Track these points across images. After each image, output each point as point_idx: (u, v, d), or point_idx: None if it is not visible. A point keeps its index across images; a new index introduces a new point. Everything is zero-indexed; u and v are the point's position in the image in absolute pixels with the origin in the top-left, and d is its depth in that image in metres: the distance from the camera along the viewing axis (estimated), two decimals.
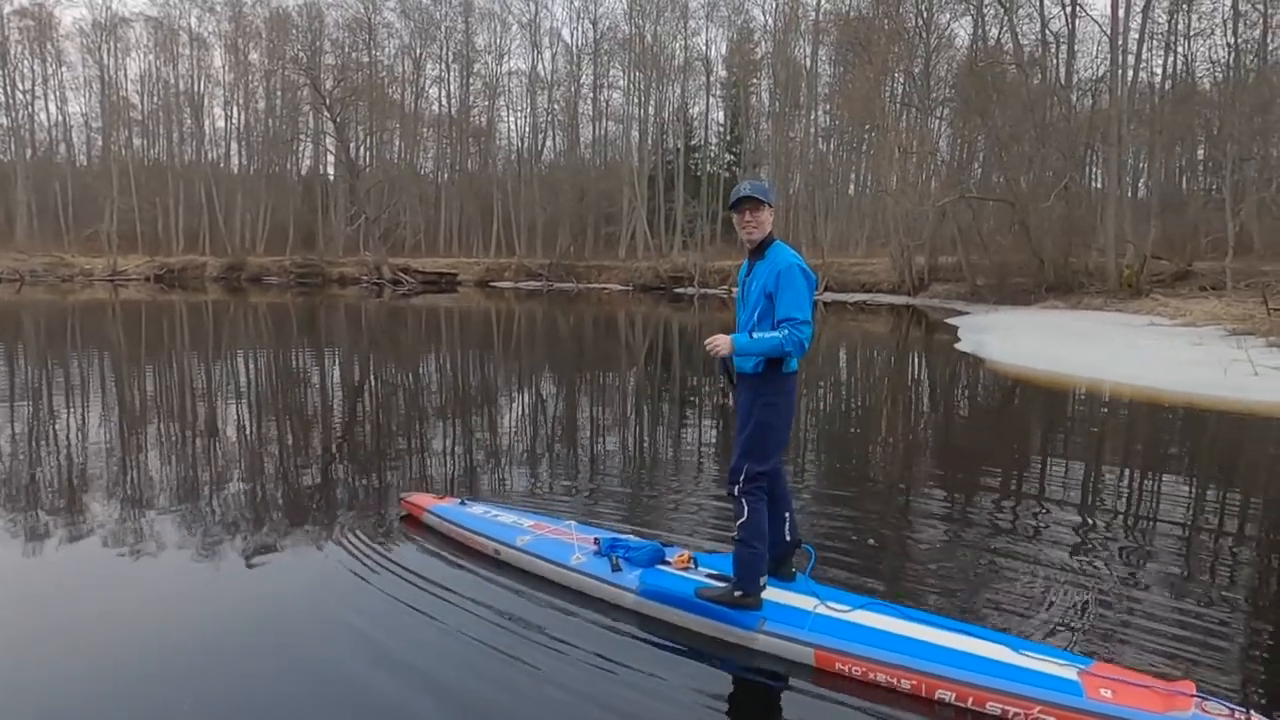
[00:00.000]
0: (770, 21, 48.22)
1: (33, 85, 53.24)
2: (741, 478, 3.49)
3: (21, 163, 52.14)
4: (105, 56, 53.12)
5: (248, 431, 7.99)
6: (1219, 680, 3.17)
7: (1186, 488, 6.29)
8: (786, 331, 3.31)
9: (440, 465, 6.65)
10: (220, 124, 55.67)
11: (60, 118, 54.96)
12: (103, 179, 50.81)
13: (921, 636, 3.27)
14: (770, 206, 3.50)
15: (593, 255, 47.21)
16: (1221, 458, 7.60)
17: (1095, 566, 4.37)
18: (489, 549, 4.36)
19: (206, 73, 54.62)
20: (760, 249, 3.51)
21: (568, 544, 4.17)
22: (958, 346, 15.48)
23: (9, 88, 52.56)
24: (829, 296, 30.75)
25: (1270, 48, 28.68)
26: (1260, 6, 28.85)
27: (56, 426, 7.96)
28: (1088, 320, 19.12)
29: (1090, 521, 5.20)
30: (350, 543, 4.62)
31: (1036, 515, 5.33)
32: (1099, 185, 31.30)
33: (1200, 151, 32.05)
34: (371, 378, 12.49)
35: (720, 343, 3.43)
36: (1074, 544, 4.74)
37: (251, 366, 13.40)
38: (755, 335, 3.40)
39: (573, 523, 4.47)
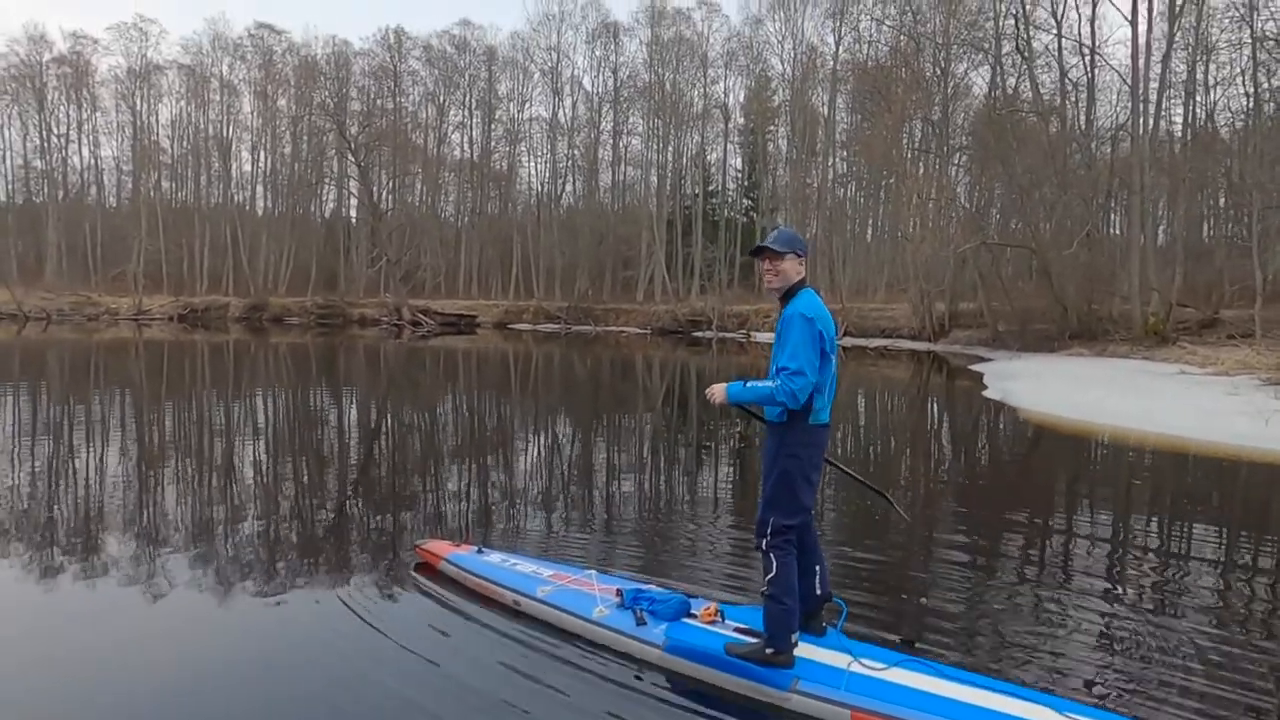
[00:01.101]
0: (788, 70, 48.98)
1: (67, 130, 54.78)
2: (769, 531, 3.38)
3: (53, 204, 53.43)
4: (138, 102, 54.71)
5: (264, 472, 7.92)
6: None
7: (1234, 543, 6.04)
8: (780, 381, 3.23)
9: (456, 510, 6.52)
10: (247, 168, 57.03)
11: (93, 161, 56.52)
12: (131, 220, 51.95)
13: (961, 697, 3.11)
14: (795, 256, 3.44)
15: (611, 298, 47.42)
16: (1274, 512, 7.30)
17: (1135, 623, 4.19)
18: (508, 599, 4.21)
19: (235, 118, 56.10)
20: (787, 297, 3.45)
21: (589, 595, 4.01)
22: (985, 394, 15.26)
23: (44, 132, 54.12)
24: (849, 341, 30.59)
25: None
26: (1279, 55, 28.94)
27: (75, 463, 7.93)
28: (1115, 368, 18.81)
29: (1131, 576, 5.01)
30: (365, 590, 4.50)
31: (1075, 569, 5.13)
32: (1119, 232, 31.22)
33: (1223, 199, 31.93)
34: (388, 419, 12.44)
35: (715, 391, 3.41)
36: (1114, 599, 4.55)
37: (270, 406, 13.40)
38: (749, 384, 3.34)
39: (594, 572, 4.32)
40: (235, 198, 56.43)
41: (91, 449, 8.83)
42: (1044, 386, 15.24)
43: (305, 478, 7.82)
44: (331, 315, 45.20)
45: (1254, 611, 4.46)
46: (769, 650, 3.34)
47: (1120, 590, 4.73)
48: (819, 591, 3.62)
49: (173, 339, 30.97)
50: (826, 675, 3.29)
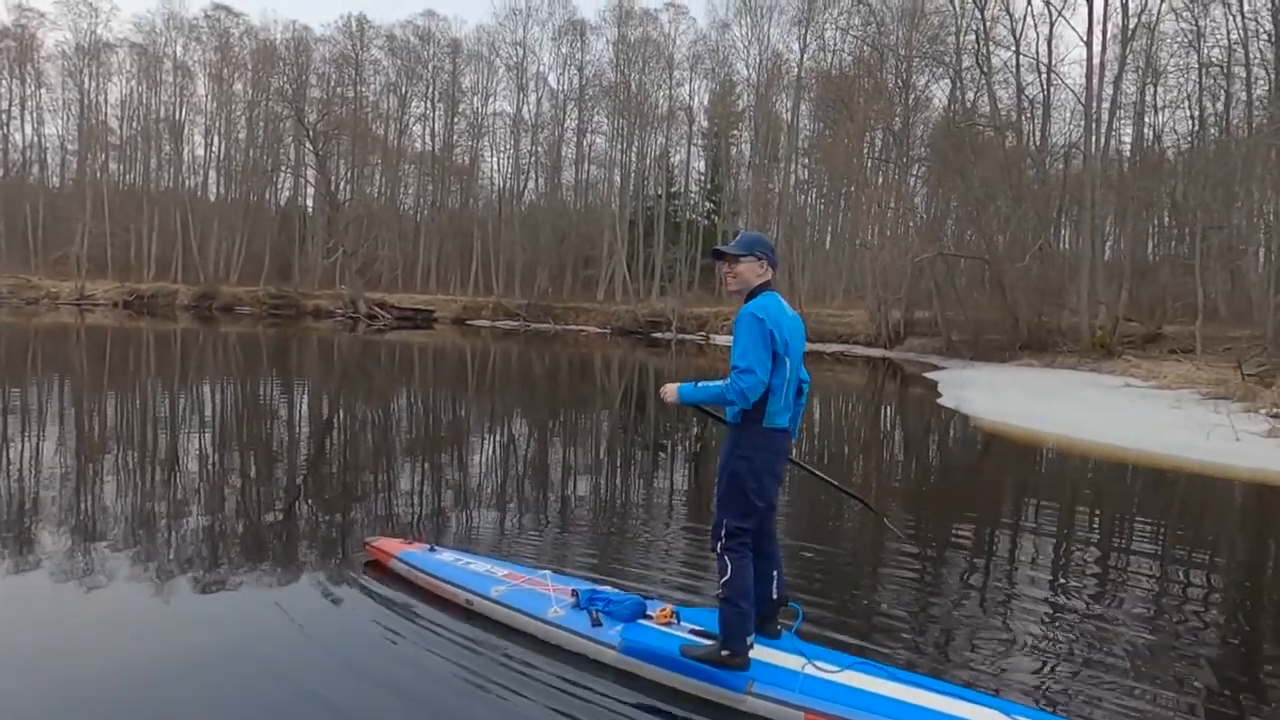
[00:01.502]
0: (753, 75, 49.32)
1: (9, 105, 52.76)
2: (723, 533, 3.37)
3: None
4: (86, 80, 52.87)
5: (208, 465, 7.68)
6: None
7: (1172, 550, 6.21)
8: (730, 380, 3.22)
9: (407, 507, 6.39)
10: (200, 152, 55.45)
11: (36, 139, 54.40)
12: (75, 202, 50.20)
13: (912, 700, 3.14)
14: (755, 258, 3.43)
15: (571, 297, 47.22)
16: (1211, 521, 7.55)
17: (1077, 626, 4.27)
18: (460, 599, 4.12)
19: (188, 100, 54.52)
20: (747, 300, 3.44)
21: (544, 595, 3.95)
22: (940, 401, 15.48)
23: None
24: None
25: (1233, 123, 29.81)
26: (1224, 82, 30.05)
27: (8, 453, 7.60)
28: (1064, 379, 19.30)
29: (1075, 581, 5.10)
30: (310, 587, 4.38)
31: (1022, 574, 5.21)
32: (1068, 247, 32.08)
33: (1167, 218, 33.00)
34: (340, 413, 12.18)
35: (668, 391, 3.40)
36: (1058, 603, 4.64)
37: (218, 398, 13.04)
38: (700, 384, 3.34)
39: (548, 572, 4.26)
40: (186, 182, 54.89)
41: (26, 438, 8.48)
42: (997, 396, 15.54)
43: (252, 472, 7.60)
44: (285, 306, 44.22)
45: (1188, 615, 4.58)
46: (724, 653, 3.33)
47: (1064, 595, 4.81)
48: (775, 595, 3.62)
49: (117, 325, 30.00)
50: (781, 677, 3.29)
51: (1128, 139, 34.31)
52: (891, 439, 12.55)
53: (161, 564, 4.68)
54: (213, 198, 55.22)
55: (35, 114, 53.67)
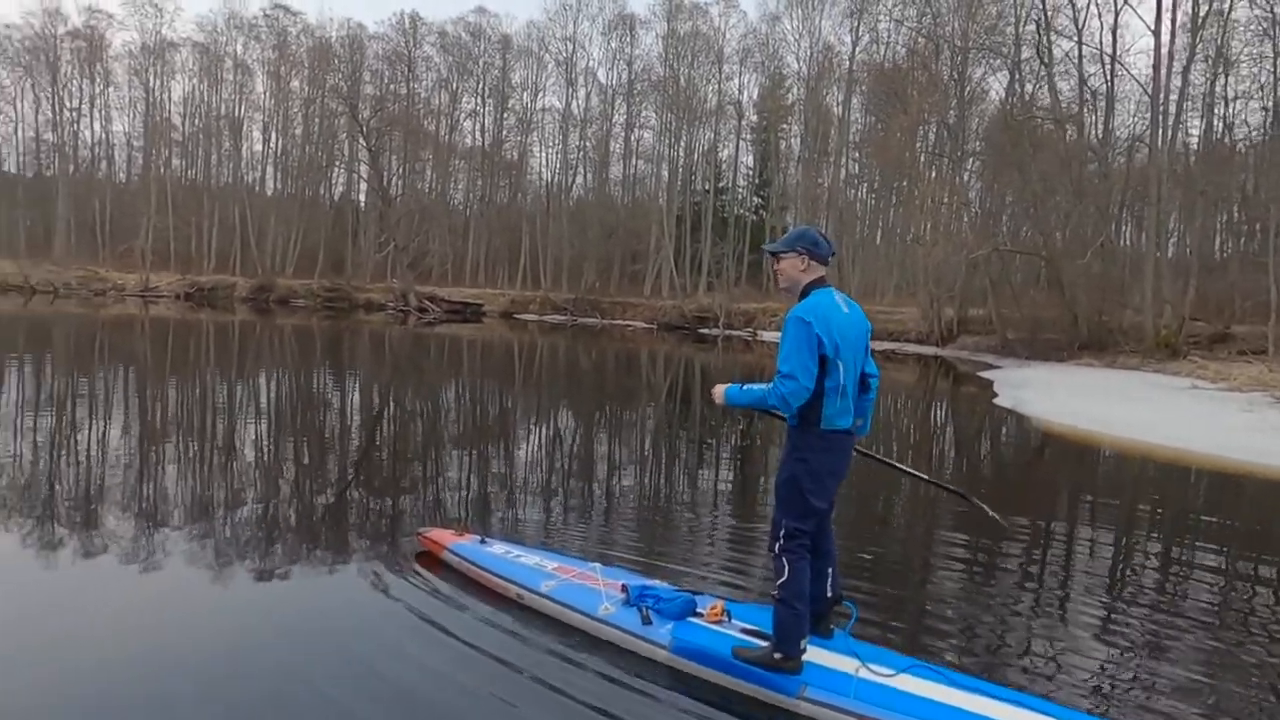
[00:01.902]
0: (804, 68, 48.70)
1: (79, 104, 54.72)
2: (781, 534, 3.32)
3: (64, 178, 53.39)
4: (151, 79, 54.58)
5: (265, 453, 7.85)
6: None
7: (1244, 560, 5.92)
8: (773, 384, 3.16)
9: (457, 497, 6.45)
10: (258, 148, 56.86)
11: (104, 136, 56.35)
12: (141, 197, 51.87)
13: (971, 707, 3.04)
14: (795, 253, 3.38)
15: (618, 292, 47.28)
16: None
17: (1142, 634, 4.12)
18: (511, 593, 4.13)
19: (248, 98, 55.95)
20: (800, 298, 3.37)
21: (594, 590, 3.93)
22: (996, 401, 15.09)
23: (57, 106, 54.08)
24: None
25: None
26: None
27: (76, 438, 7.86)
28: (1126, 380, 18.65)
29: (1137, 589, 4.91)
30: (363, 576, 4.43)
31: (1081, 579, 5.03)
32: (1131, 243, 31.02)
33: (1237, 213, 31.68)
34: (392, 405, 12.37)
35: (716, 392, 3.37)
36: (1121, 610, 4.48)
37: (273, 388, 13.34)
38: (745, 387, 3.30)
39: (598, 566, 4.24)
40: (245, 178, 56.35)
41: (93, 424, 8.78)
42: (1056, 396, 15.07)
43: (306, 460, 7.75)
44: (338, 298, 45.13)
45: (1253, 626, 4.37)
46: (777, 655, 3.27)
47: (1124, 600, 4.66)
48: (829, 594, 3.56)
49: (178, 317, 30.94)
50: (834, 681, 3.22)
51: (1195, 131, 33.03)
52: (947, 438, 12.26)
53: (217, 547, 4.79)
54: (269, 193, 56.63)
55: (103, 112, 55.69)
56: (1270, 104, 29.42)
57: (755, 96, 52.20)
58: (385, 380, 15.30)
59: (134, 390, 11.95)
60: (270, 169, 57.17)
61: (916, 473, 4.20)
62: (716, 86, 50.95)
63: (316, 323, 31.52)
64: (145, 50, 54.31)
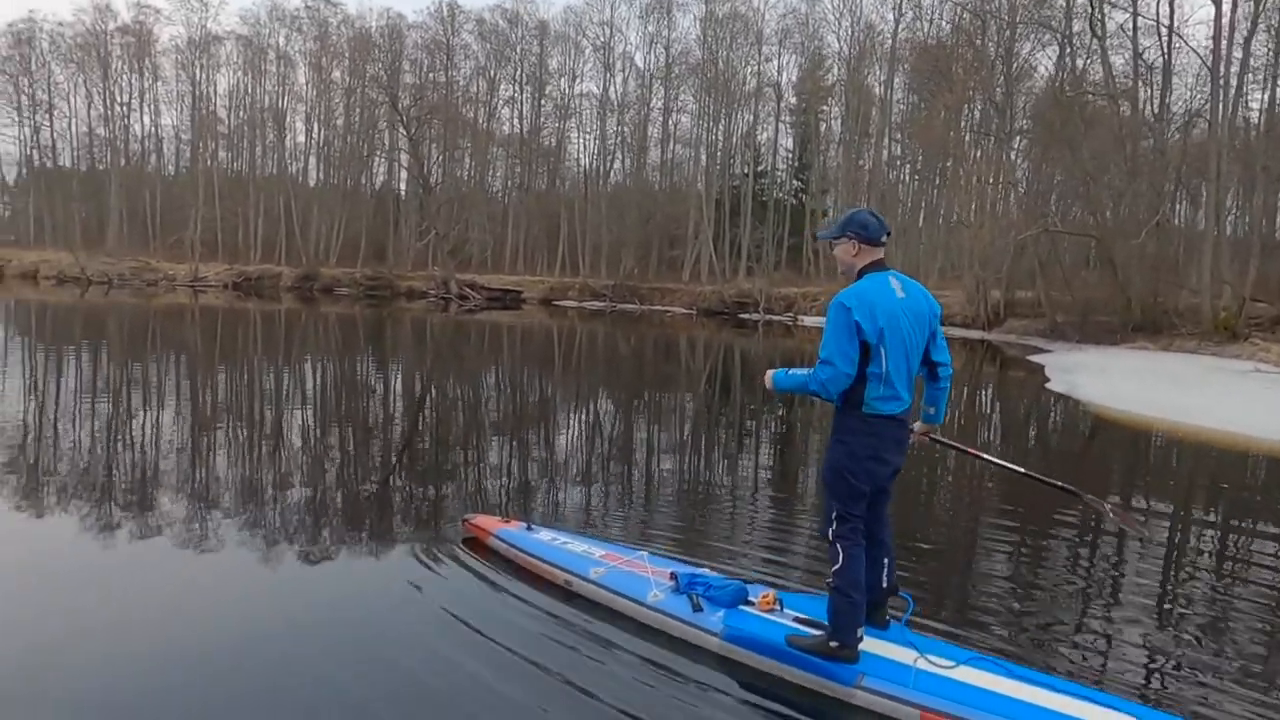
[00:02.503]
0: (844, 48, 47.85)
1: (129, 98, 56.02)
2: (833, 518, 3.26)
3: (116, 171, 54.75)
4: (197, 72, 55.63)
5: (312, 440, 7.95)
6: None
7: None
8: (814, 370, 3.14)
9: (502, 484, 6.45)
10: (300, 139, 57.67)
11: (153, 129, 57.62)
12: (189, 189, 53.01)
13: (1036, 700, 2.95)
14: (847, 239, 3.29)
15: (656, 277, 47.10)
16: None
17: (1200, 624, 3.99)
18: (559, 579, 4.10)
19: (290, 89, 56.72)
20: (856, 280, 3.31)
21: (643, 578, 3.89)
22: (1049, 386, 14.70)
23: (108, 100, 55.42)
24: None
25: None
26: None
27: (132, 425, 8.05)
28: (1183, 363, 18.04)
29: (1218, 585, 4.71)
30: (411, 561, 4.45)
31: (1153, 575, 4.87)
32: (1185, 222, 29.95)
33: None
34: (434, 391, 12.48)
35: (766, 377, 3.35)
36: (1184, 601, 4.34)
37: (320, 375, 13.54)
38: (791, 371, 3.28)
39: (645, 554, 4.19)
40: (289, 168, 57.23)
41: (148, 411, 8.98)
42: (1111, 381, 14.61)
43: (352, 447, 7.83)
44: (380, 287, 45.68)
45: None
46: (833, 644, 3.21)
47: (1182, 589, 4.53)
48: (885, 584, 3.48)
49: (227, 306, 31.61)
50: (893, 672, 3.15)
51: (1255, 105, 31.70)
52: (1003, 424, 11.95)
53: (268, 532, 4.86)
54: (313, 183, 57.46)
55: (152, 105, 56.91)
56: None
57: (795, 78, 51.48)
58: (428, 367, 15.44)
59: (185, 378, 12.21)
60: (313, 159, 57.99)
61: (1015, 467, 4.00)
62: (755, 68, 50.33)
63: (359, 310, 31.96)
64: (191, 44, 55.33)
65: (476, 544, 4.65)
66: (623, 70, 53.43)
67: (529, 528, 4.56)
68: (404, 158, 53.22)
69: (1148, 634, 3.86)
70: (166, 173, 58.45)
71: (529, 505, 5.73)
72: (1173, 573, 4.91)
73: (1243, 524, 6.37)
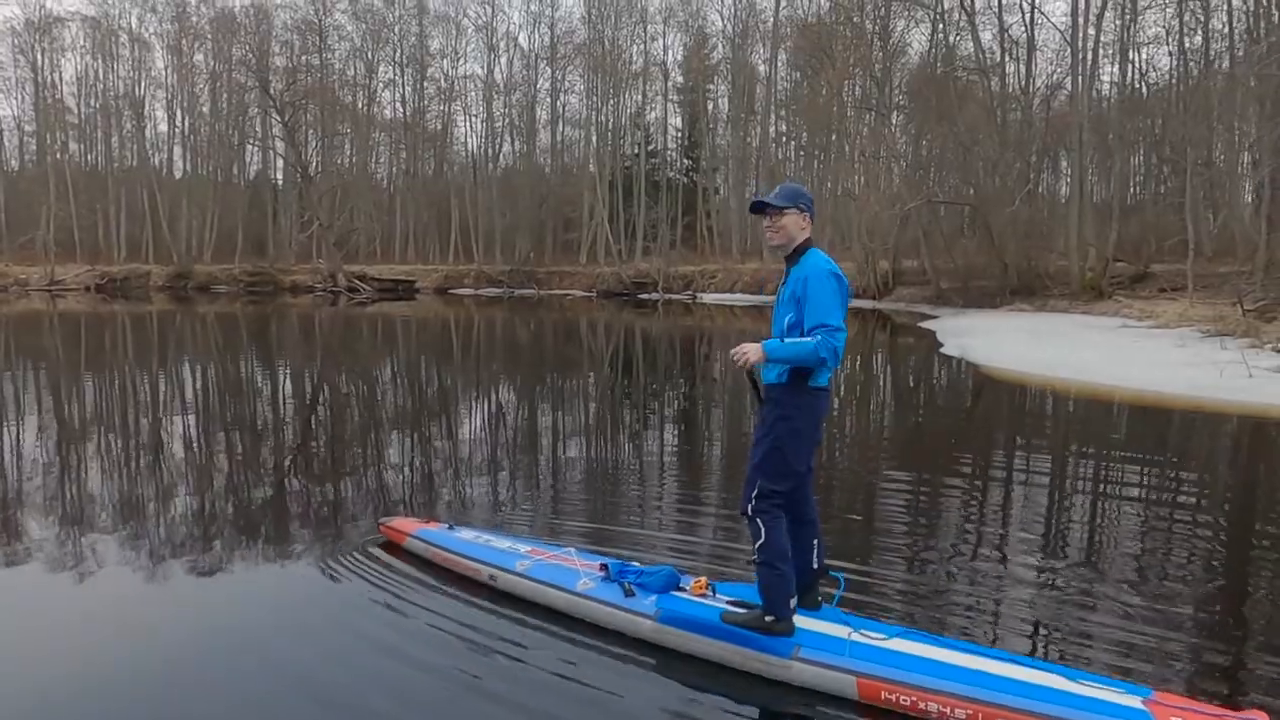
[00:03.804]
0: (728, 26, 48.38)
1: None
2: (755, 494, 3.22)
3: None
4: (39, 57, 51.02)
5: (201, 450, 7.41)
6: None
7: (1227, 499, 6.05)
8: (820, 338, 3.06)
9: (411, 485, 6.17)
10: (163, 128, 53.87)
11: None
12: (38, 184, 48.65)
13: (970, 665, 3.00)
14: (799, 211, 3.27)
15: (553, 261, 46.70)
16: (1243, 464, 7.37)
17: (1141, 590, 4.11)
18: (483, 575, 3.93)
19: (148, 74, 52.82)
20: (795, 255, 3.28)
21: (571, 569, 3.77)
22: (944, 351, 15.31)
23: None
24: None
25: (1211, 56, 29.53)
26: (1200, 15, 29.70)
27: None
28: (1060, 322, 19.23)
29: (1134, 545, 4.91)
30: (325, 570, 4.18)
31: (1065, 535, 5.05)
32: (1047, 190, 31.86)
33: (1146, 157, 32.80)
34: (330, 390, 11.89)
35: (749, 350, 3.18)
36: (1118, 564, 4.48)
37: (202, 380, 12.69)
38: (787, 340, 3.16)
39: (572, 549, 4.06)
40: (151, 159, 53.39)
41: (4, 429, 8.15)
42: (999, 342, 15.37)
43: (249, 457, 7.33)
44: (262, 283, 43.45)
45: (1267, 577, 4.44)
46: (768, 618, 3.18)
47: (1120, 557, 4.71)
48: (815, 565, 3.47)
49: (90, 310, 29.29)
50: (828, 644, 3.15)
51: (1105, 79, 33.98)
52: (907, 389, 12.35)
53: (155, 548, 4.48)
54: (179, 174, 53.84)
55: None
56: (1175, 49, 30.48)
57: (680, 57, 51.72)
58: (319, 365, 14.72)
59: (47, 390, 11.19)
60: (178, 149, 54.33)
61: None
62: (642, 47, 50.29)
63: (241, 308, 30.28)
64: (30, 26, 50.65)
65: (393, 547, 4.42)
66: (507, 51, 52.39)
67: (450, 527, 4.36)
68: (279, 145, 50.58)
69: (1086, 604, 3.90)
70: (9, 168, 53.50)
71: (442, 505, 5.50)
72: (1071, 522, 5.17)
73: (1156, 477, 6.69)
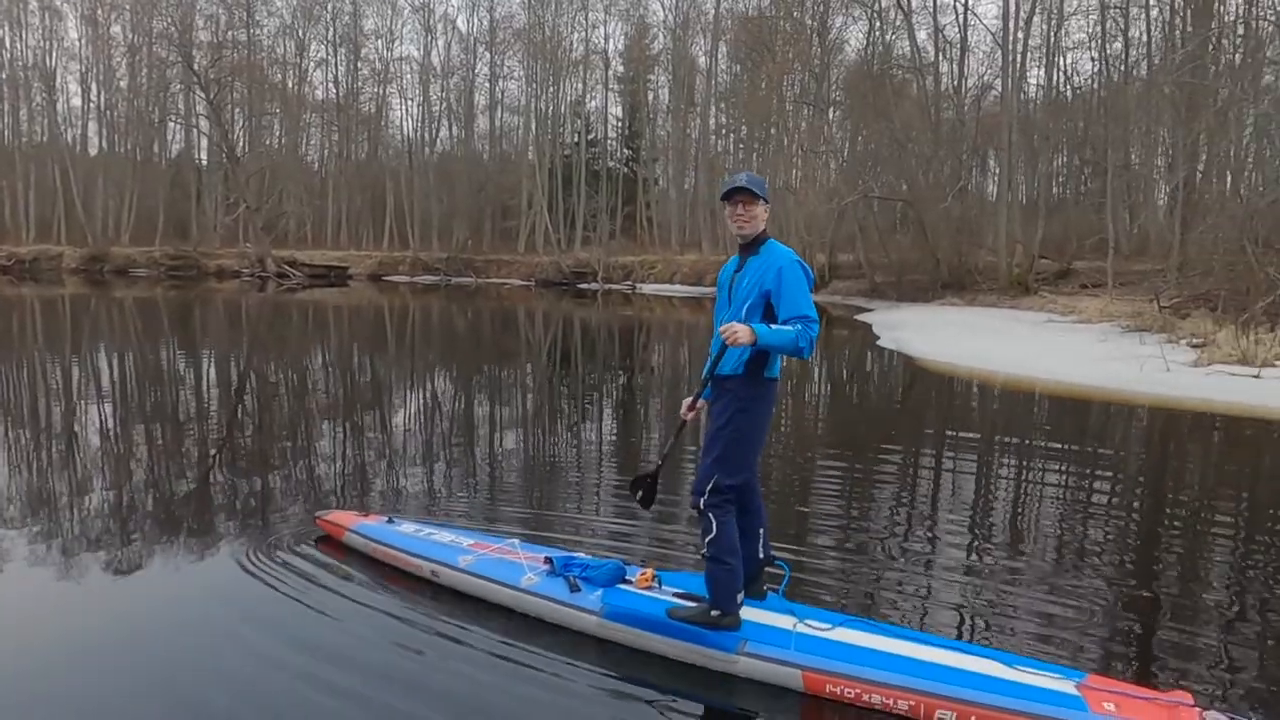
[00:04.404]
0: (669, 17, 48.33)
1: None
2: (708, 488, 3.20)
3: None
4: None
5: (118, 442, 7.04)
6: (1203, 689, 3.04)
7: (1148, 486, 6.31)
8: (800, 328, 3.07)
9: (351, 480, 5.95)
10: (76, 102, 51.11)
11: None
12: None
13: (911, 654, 3.06)
14: (765, 202, 3.27)
15: (491, 249, 46.06)
16: (1163, 454, 7.70)
17: (1068, 572, 4.26)
18: (425, 570, 3.82)
19: (60, 45, 50.04)
20: (754, 245, 3.27)
21: (515, 564, 3.69)
22: (880, 344, 15.60)
23: None
24: None
25: (1130, 62, 30.81)
26: (1121, 23, 30.93)
27: None
28: (989, 316, 19.85)
29: (1061, 528, 5.07)
30: (255, 566, 4.00)
31: (997, 524, 5.21)
32: (974, 188, 32.78)
33: (1067, 158, 34.06)
34: (261, 381, 11.46)
35: (740, 332, 3.11)
36: (1041, 551, 4.62)
37: (120, 368, 12.09)
38: (774, 327, 3.13)
39: (516, 541, 3.99)
40: (64, 135, 50.65)
41: None
42: (932, 336, 15.76)
43: (176, 450, 6.97)
44: (184, 266, 41.73)
45: (1194, 560, 4.63)
46: (715, 613, 3.18)
47: (1044, 545, 4.83)
48: (761, 555, 3.48)
49: None
50: (774, 636, 3.16)
51: (1033, 80, 35.14)
52: (844, 381, 12.54)
53: (81, 546, 4.24)
54: (94, 152, 51.17)
55: None
56: (1097, 55, 31.66)
57: (621, 46, 51.49)
58: (249, 353, 14.18)
59: None
60: (93, 125, 51.64)
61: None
62: (583, 35, 49.89)
63: (162, 293, 29.01)
64: None
65: (330, 542, 4.27)
66: (445, 34, 51.36)
67: (390, 520, 4.23)
68: (203, 124, 48.56)
69: (1015, 589, 4.00)
70: None
71: (378, 496, 5.34)
72: (1039, 526, 5.31)
73: (1088, 466, 6.91)
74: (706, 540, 3.18)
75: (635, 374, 12.41)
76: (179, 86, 48.03)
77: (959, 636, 3.42)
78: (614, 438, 7.79)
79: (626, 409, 9.69)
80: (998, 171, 29.09)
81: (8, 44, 49.49)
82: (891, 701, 2.87)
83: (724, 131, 48.96)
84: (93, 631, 3.44)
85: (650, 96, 50.95)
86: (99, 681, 3.03)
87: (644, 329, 20.93)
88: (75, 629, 3.46)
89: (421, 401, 9.80)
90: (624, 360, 14.59)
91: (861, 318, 21.52)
